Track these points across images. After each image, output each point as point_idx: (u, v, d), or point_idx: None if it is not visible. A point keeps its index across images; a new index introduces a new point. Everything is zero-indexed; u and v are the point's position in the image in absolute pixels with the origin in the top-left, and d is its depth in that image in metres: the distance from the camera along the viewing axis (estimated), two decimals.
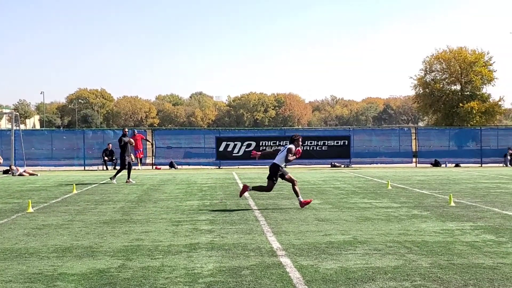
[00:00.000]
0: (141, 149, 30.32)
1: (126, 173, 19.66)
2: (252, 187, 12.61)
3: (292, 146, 12.30)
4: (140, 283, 5.89)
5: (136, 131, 31.14)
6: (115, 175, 19.65)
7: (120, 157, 19.92)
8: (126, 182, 19.40)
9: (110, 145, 29.76)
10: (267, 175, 12.50)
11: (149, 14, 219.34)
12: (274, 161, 12.39)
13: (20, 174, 24.35)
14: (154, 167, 30.30)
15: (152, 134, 31.90)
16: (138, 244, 8.06)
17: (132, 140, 20.41)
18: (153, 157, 31.05)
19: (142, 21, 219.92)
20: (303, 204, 12.10)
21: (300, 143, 12.68)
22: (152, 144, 31.18)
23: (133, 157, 20.13)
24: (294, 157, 12.30)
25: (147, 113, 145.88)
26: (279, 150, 12.61)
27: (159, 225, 9.85)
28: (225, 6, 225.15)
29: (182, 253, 7.38)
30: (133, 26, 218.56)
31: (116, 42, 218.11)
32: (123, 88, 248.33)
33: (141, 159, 30.11)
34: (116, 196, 14.87)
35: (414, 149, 32.73)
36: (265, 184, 12.65)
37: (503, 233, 8.80)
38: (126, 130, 20.35)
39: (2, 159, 22.23)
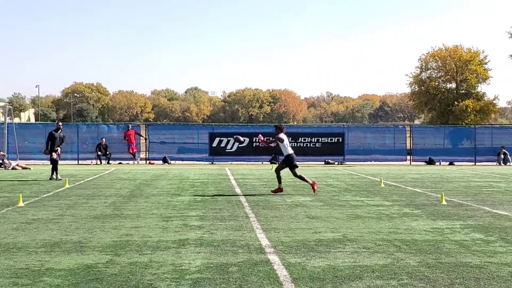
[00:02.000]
0: (134, 144, 30.28)
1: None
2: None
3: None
4: (127, 279, 5.87)
5: (129, 126, 31.09)
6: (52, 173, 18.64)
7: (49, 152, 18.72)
8: (50, 178, 18.49)
9: (104, 139, 29.71)
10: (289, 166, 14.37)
11: (146, 8, 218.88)
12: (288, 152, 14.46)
13: (13, 168, 24.27)
14: (147, 162, 30.25)
15: (146, 129, 31.84)
16: (127, 239, 8.04)
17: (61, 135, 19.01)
18: (147, 152, 31.00)
19: (138, 15, 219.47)
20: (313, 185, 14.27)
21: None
22: (145, 139, 31.13)
23: (59, 152, 19.20)
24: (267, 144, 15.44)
25: (143, 108, 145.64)
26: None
27: (149, 220, 9.83)
28: (222, 1, 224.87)
29: (170, 249, 7.37)
30: (130, 20, 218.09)
31: (112, 37, 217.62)
32: (119, 82, 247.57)
33: (134, 154, 30.08)
34: (108, 191, 14.84)
35: (408, 147, 32.76)
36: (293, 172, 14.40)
37: (492, 232, 8.82)
38: (60, 124, 19.54)
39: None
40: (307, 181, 14.28)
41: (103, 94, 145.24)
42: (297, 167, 14.35)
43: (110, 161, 29.62)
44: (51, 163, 18.72)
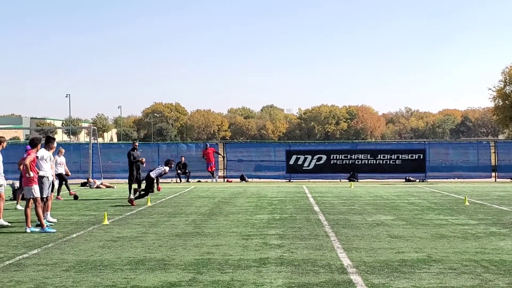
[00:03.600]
0: (213, 162, 30.71)
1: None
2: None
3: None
4: None
5: (208, 144, 31.60)
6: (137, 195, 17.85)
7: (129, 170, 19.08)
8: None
9: (183, 158, 30.34)
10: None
11: (220, 31, 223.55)
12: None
13: (97, 187, 25.22)
14: (225, 180, 30.61)
15: (223, 147, 32.27)
16: (208, 257, 8.13)
17: (143, 159, 19.34)
18: (225, 170, 31.37)
19: (216, 38, 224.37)
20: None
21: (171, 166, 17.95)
22: (223, 157, 31.54)
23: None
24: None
25: (219, 126, 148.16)
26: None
27: (229, 238, 9.91)
28: (297, 20, 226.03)
29: (251, 268, 7.39)
30: (207, 43, 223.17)
31: (190, 58, 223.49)
32: (197, 102, 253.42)
33: (213, 172, 30.52)
34: (188, 209, 15.11)
35: (493, 163, 31.41)
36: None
37: None
38: (137, 143, 20.03)
39: (71, 173, 22.97)
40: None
41: (181, 114, 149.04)
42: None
43: (190, 179, 30.19)
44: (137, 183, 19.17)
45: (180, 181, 29.76)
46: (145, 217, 13.41)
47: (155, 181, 17.70)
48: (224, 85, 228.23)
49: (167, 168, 17.66)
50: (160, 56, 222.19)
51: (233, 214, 13.80)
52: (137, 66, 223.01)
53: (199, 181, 30.02)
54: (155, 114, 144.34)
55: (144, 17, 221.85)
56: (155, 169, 17.74)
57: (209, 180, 30.25)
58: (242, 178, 30.23)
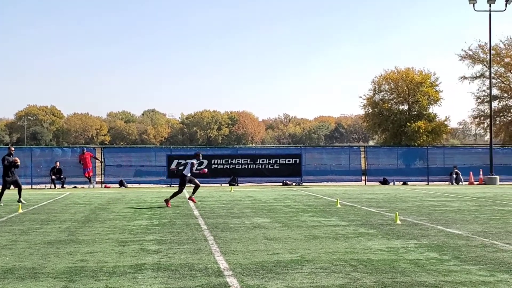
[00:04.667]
0: (90, 168, 29.82)
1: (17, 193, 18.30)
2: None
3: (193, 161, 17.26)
4: None
5: (85, 149, 30.63)
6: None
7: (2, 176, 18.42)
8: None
9: (58, 163, 29.17)
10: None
11: (101, 31, 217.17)
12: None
13: None
14: (103, 185, 29.80)
15: (102, 152, 31.40)
16: (82, 265, 7.90)
17: (17, 159, 18.48)
18: (103, 176, 30.53)
19: (94, 37, 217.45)
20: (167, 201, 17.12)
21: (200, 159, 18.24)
22: (101, 162, 30.70)
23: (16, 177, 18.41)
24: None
25: (98, 130, 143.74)
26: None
27: (105, 245, 9.69)
28: (178, 22, 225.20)
29: (127, 274, 7.28)
30: (86, 41, 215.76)
31: (66, 58, 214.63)
32: (74, 105, 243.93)
33: (90, 178, 29.60)
34: (62, 216, 14.54)
35: (363, 167, 33.26)
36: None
37: (446, 251, 9.03)
38: (13, 149, 19.15)
39: None
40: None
41: (57, 117, 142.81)
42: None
43: (65, 185, 29.06)
44: (7, 188, 18.45)
45: (55, 187, 28.58)
46: (15, 224, 12.73)
47: (186, 178, 17.35)
48: (104, 88, 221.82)
49: (194, 161, 17.43)
50: (33, 55, 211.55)
51: (110, 221, 13.48)
52: (9, 65, 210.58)
53: (75, 187, 28.99)
54: (29, 117, 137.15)
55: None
56: (185, 167, 17.70)
57: (86, 186, 29.32)
58: (121, 184, 29.61)
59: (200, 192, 24.55)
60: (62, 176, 29.07)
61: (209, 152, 33.33)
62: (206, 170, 19.93)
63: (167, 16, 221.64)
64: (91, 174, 29.83)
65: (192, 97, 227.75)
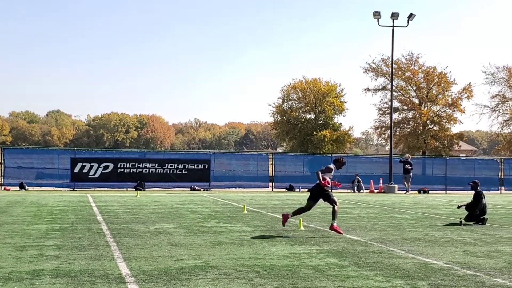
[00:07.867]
0: None
1: None
2: (292, 213, 12.70)
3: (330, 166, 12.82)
4: None
5: None
6: None
7: None
8: None
9: None
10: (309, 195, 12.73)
11: (10, 28, 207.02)
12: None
13: None
14: (2, 188, 28.41)
15: (2, 153, 29.93)
16: None
17: None
18: (2, 177, 29.11)
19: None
20: (333, 228, 12.16)
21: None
22: (0, 164, 29.25)
23: None
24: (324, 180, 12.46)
25: None
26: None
27: (1, 250, 9.25)
28: (88, 22, 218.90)
29: (24, 280, 7.01)
30: None
31: None
32: None
33: None
34: None
35: (271, 174, 33.79)
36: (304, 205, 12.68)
37: (345, 257, 9.37)
38: None
39: None
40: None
41: None
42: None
43: None
44: None
45: None
46: None
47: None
48: (6, 86, 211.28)
49: (331, 165, 13.15)
50: None
51: (8, 225, 12.88)
52: None
53: None
54: None
55: None
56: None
57: None
58: (22, 186, 28.38)
59: (104, 196, 23.97)
60: None
61: (116, 156, 32.66)
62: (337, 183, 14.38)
63: (76, 16, 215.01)
64: None
65: (99, 98, 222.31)
